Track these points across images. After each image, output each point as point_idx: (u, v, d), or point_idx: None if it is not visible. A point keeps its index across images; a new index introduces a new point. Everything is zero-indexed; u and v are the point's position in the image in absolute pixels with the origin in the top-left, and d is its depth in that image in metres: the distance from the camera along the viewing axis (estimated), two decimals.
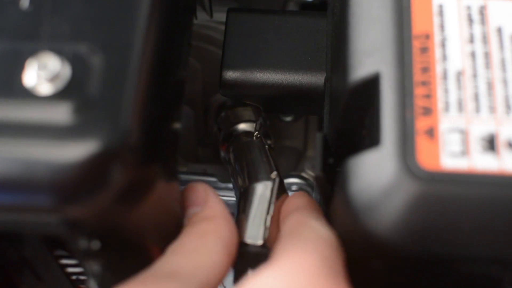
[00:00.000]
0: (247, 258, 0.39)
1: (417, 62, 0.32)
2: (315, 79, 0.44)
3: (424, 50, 0.32)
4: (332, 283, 0.31)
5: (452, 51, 0.33)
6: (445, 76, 0.32)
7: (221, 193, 0.51)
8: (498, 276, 0.32)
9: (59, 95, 0.32)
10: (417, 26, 0.33)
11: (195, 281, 0.34)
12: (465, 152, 0.30)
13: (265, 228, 0.41)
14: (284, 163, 0.56)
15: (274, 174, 0.43)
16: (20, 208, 0.32)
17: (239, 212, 0.42)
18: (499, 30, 0.33)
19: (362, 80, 0.33)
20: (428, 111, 0.31)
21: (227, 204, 0.51)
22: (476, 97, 0.32)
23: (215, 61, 0.50)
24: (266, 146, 0.45)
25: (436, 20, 0.33)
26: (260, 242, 0.40)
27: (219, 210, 0.39)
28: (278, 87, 0.45)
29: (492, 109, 0.31)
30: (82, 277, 0.39)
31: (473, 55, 0.32)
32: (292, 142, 0.56)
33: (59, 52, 0.33)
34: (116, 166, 0.32)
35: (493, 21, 0.33)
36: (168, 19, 0.36)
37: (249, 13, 0.47)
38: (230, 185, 0.51)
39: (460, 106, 0.31)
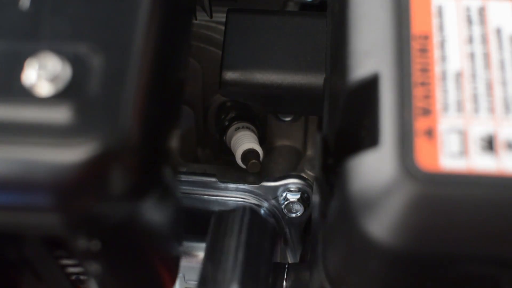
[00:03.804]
0: None
1: (416, 63, 0.32)
2: (315, 79, 0.44)
3: (423, 51, 0.32)
4: None
5: (451, 52, 0.33)
6: (444, 77, 0.32)
7: (221, 193, 0.51)
8: (496, 277, 0.32)
9: (59, 96, 0.32)
10: (416, 27, 0.33)
11: None
12: (463, 152, 0.30)
13: None
14: (283, 163, 0.56)
15: None
16: (20, 209, 0.32)
17: None
18: (498, 31, 0.33)
19: (361, 81, 0.33)
20: (427, 111, 0.31)
21: (226, 204, 0.51)
22: (475, 98, 0.32)
23: (215, 61, 0.50)
24: None
25: (435, 21, 0.33)
26: None
27: None
28: (278, 87, 0.45)
29: (491, 109, 0.31)
30: (82, 277, 0.39)
31: (472, 56, 0.33)
32: (292, 142, 0.56)
33: (59, 52, 0.33)
34: (116, 167, 0.32)
35: (492, 22, 0.33)
36: (168, 19, 0.37)
37: (249, 14, 0.47)
38: (230, 185, 0.51)
39: (459, 107, 0.31)
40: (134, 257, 0.37)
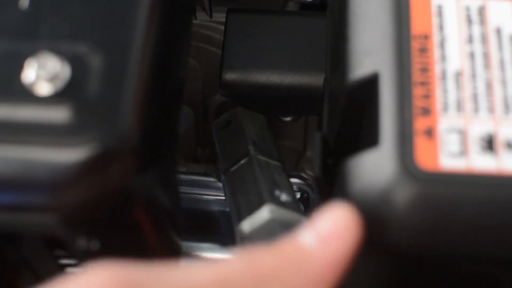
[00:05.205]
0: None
1: (416, 62, 0.32)
2: (315, 79, 0.44)
3: (423, 50, 0.32)
4: None
5: (451, 51, 0.33)
6: (444, 77, 0.32)
7: (221, 193, 0.51)
8: (497, 277, 0.32)
9: (59, 95, 0.32)
10: (416, 26, 0.33)
11: None
12: (463, 152, 0.30)
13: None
14: None
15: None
16: (19, 208, 0.32)
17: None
18: (498, 31, 0.33)
19: (361, 80, 0.33)
20: (426, 111, 0.31)
21: (226, 204, 0.51)
22: (475, 98, 0.32)
23: (215, 61, 0.50)
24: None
25: (435, 20, 0.33)
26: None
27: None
28: (278, 87, 0.45)
29: (491, 109, 0.31)
30: None
31: (472, 55, 0.33)
32: (292, 142, 0.56)
33: (59, 52, 0.33)
34: (115, 167, 0.32)
35: (492, 21, 0.33)
36: (167, 19, 0.37)
37: (249, 13, 0.47)
38: None
39: (459, 107, 0.31)
40: (133, 256, 0.37)
